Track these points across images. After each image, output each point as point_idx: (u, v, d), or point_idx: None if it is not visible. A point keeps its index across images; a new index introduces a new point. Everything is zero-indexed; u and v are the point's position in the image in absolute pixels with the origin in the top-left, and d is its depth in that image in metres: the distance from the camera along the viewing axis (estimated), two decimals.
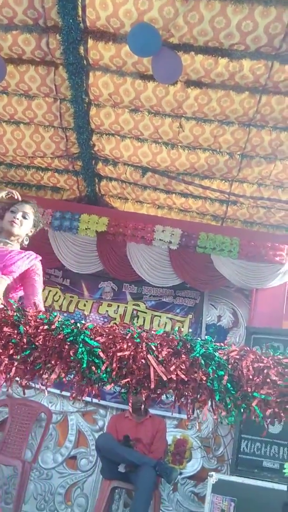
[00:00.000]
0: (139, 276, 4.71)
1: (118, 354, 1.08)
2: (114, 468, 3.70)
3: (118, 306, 4.90)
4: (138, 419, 4.02)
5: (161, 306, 4.86)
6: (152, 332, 1.22)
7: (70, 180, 4.95)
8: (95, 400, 4.26)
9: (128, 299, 4.93)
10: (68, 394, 1.22)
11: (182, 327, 4.75)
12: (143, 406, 3.91)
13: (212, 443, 4.28)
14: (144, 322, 4.78)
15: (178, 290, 4.85)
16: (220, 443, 4.27)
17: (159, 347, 1.17)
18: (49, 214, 4.81)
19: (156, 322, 4.78)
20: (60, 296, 5.02)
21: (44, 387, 1.16)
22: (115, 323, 1.22)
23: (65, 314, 4.87)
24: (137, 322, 4.80)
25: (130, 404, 1.22)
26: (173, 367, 1.13)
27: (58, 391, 3.96)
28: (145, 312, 4.85)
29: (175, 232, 4.67)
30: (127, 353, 1.09)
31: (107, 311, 4.89)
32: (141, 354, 1.11)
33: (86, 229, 4.76)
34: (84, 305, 4.94)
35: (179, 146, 4.17)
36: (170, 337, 1.22)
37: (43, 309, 2.35)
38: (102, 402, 4.42)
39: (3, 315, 1.20)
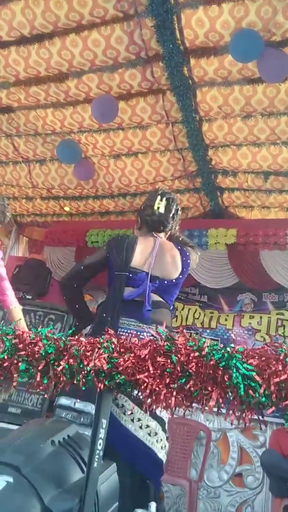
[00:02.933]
0: (279, 284, 4.54)
1: (275, 380, 1.05)
2: (284, 485, 3.55)
3: (261, 317, 4.76)
4: None
5: None
6: None
7: (193, 198, 5.01)
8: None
9: (270, 308, 4.77)
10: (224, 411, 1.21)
11: None
12: None
13: None
14: None
15: None
16: None
17: None
18: None
19: None
20: (200, 313, 5.05)
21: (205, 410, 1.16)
22: (266, 344, 1.18)
23: (208, 331, 4.89)
24: (283, 332, 4.61)
25: None
26: None
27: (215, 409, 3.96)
28: None
29: None
30: (284, 377, 1.05)
31: (249, 323, 4.78)
32: None
33: (215, 243, 4.76)
34: (226, 319, 4.90)
35: None
36: None
37: None
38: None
39: (154, 346, 1.24)
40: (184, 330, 1.32)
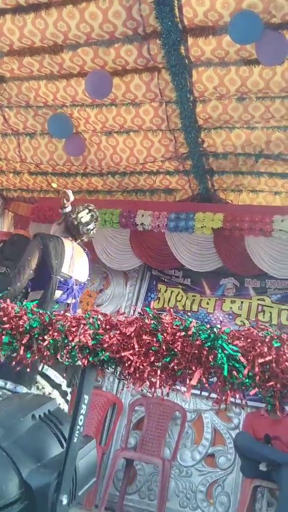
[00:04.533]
0: (261, 270, 4.57)
1: (260, 360, 1.05)
2: (255, 466, 3.63)
3: (242, 302, 4.80)
4: (275, 417, 3.90)
5: None
6: None
7: (182, 180, 4.98)
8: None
9: (252, 294, 4.81)
10: (199, 392, 1.22)
11: None
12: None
13: None
14: (271, 317, 4.63)
15: None
16: None
17: None
18: (164, 217, 4.89)
19: (284, 316, 4.59)
20: (182, 296, 5.07)
21: (186, 393, 1.16)
22: (252, 326, 1.18)
23: (189, 314, 4.91)
24: (263, 318, 4.66)
25: None
26: None
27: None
28: (271, 307, 4.69)
29: None
30: (268, 358, 1.05)
31: (231, 307, 4.82)
32: (284, 357, 1.06)
33: (202, 227, 4.75)
34: (207, 303, 4.93)
35: None
36: None
37: None
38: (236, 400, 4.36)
39: (141, 324, 1.23)
40: (165, 313, 1.31)
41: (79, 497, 1.25)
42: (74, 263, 2.79)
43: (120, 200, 5.38)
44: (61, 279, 2.69)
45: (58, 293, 2.71)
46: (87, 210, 3.01)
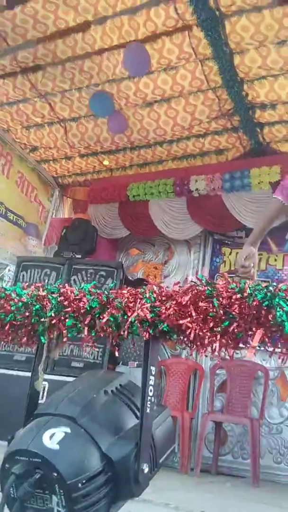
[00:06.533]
0: None
1: None
2: None
3: None
4: None
5: None
6: None
7: (232, 138, 4.83)
8: None
9: None
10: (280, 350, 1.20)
11: None
12: None
13: None
14: None
15: None
16: None
17: None
18: (218, 179, 4.78)
19: None
20: None
21: (249, 353, 1.16)
22: None
23: (258, 273, 4.82)
24: None
25: None
26: None
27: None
28: None
29: None
30: None
31: None
32: None
33: (259, 183, 4.61)
34: (275, 260, 4.81)
35: None
36: None
37: None
38: None
39: (196, 291, 1.23)
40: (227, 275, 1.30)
41: (160, 463, 1.30)
42: None
43: (172, 169, 5.32)
44: None
45: None
46: None
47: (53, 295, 1.45)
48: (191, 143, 4.93)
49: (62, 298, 1.42)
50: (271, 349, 1.18)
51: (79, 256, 5.11)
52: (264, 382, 4.40)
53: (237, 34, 3.57)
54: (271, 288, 1.15)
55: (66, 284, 1.47)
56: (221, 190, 4.80)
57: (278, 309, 1.09)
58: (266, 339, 1.15)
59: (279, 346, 1.15)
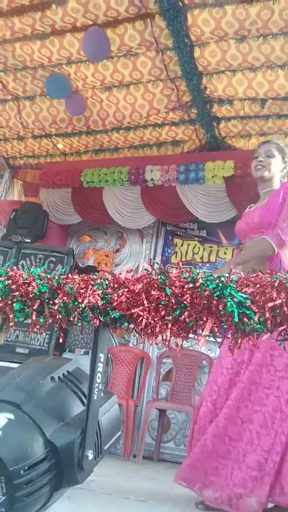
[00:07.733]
0: None
1: (269, 304, 1.04)
2: None
3: None
4: None
5: None
6: None
7: (188, 130, 4.85)
8: None
9: None
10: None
11: None
12: None
13: None
14: None
15: None
16: None
17: None
18: (173, 170, 4.80)
19: None
20: (199, 248, 5.05)
21: (199, 343, 1.17)
22: (260, 271, 1.17)
23: (207, 265, 4.91)
24: None
25: None
26: None
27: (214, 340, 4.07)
28: None
29: None
30: (278, 302, 1.04)
31: None
32: None
33: (213, 176, 4.66)
34: (225, 253, 4.91)
35: None
36: None
37: None
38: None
39: (148, 280, 1.23)
40: (182, 265, 1.31)
41: (105, 450, 1.29)
42: None
43: (128, 158, 5.29)
44: None
45: None
46: None
47: (0, 278, 1.41)
48: (148, 132, 4.91)
49: (10, 281, 1.38)
50: (220, 339, 1.20)
51: (28, 240, 5.00)
52: (208, 372, 4.50)
53: (198, 27, 3.58)
54: (223, 279, 1.16)
55: (14, 267, 1.43)
56: (175, 181, 4.82)
57: (229, 300, 1.11)
58: (215, 329, 1.16)
59: (228, 336, 1.17)
